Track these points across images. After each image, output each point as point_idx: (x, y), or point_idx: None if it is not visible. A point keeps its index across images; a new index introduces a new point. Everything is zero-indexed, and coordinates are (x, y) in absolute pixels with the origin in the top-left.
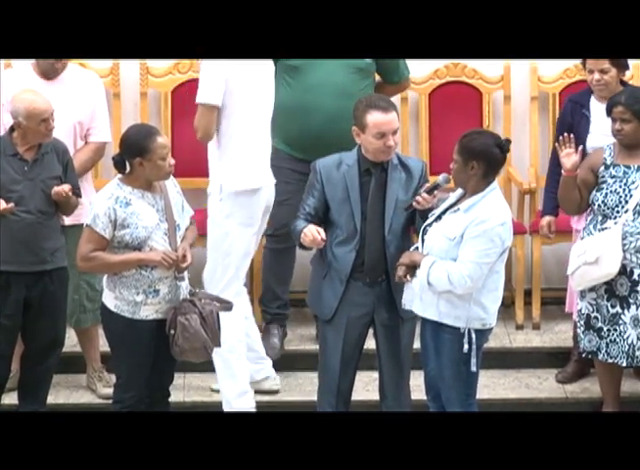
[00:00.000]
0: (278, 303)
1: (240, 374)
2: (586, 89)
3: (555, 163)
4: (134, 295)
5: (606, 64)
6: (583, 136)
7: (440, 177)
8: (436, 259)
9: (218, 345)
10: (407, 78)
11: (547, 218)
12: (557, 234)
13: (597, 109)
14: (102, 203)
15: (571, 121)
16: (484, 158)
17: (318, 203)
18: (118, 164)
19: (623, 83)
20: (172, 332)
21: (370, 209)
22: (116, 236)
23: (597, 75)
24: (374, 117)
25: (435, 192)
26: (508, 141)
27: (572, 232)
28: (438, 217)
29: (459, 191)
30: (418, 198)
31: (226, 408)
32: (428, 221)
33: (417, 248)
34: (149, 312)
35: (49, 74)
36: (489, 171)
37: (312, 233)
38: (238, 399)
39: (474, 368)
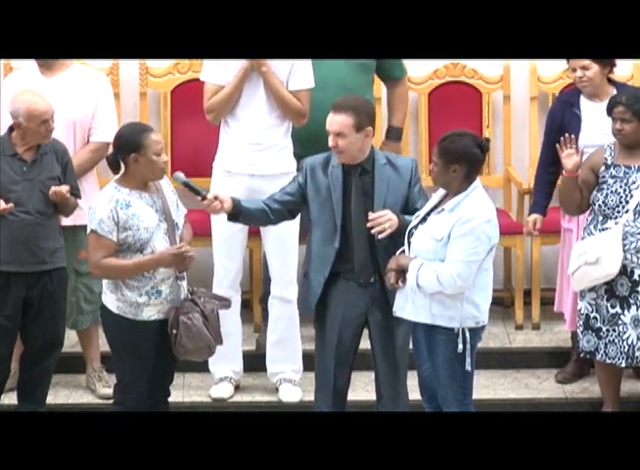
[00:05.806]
0: None
1: None
2: (575, 88)
3: (545, 163)
4: (137, 296)
5: (586, 61)
6: (575, 135)
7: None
8: (424, 262)
9: (220, 342)
10: (406, 73)
11: (534, 216)
12: (556, 234)
13: (587, 107)
14: (104, 206)
15: (561, 121)
16: (466, 160)
17: (291, 197)
18: (113, 163)
19: (611, 81)
20: (174, 332)
21: (355, 209)
22: (119, 238)
23: (579, 73)
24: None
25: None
26: (487, 140)
27: (562, 231)
28: (423, 219)
29: (441, 191)
30: None
31: None
32: (412, 224)
33: (403, 251)
34: (151, 313)
35: (46, 65)
36: (471, 172)
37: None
38: None
39: (468, 368)
